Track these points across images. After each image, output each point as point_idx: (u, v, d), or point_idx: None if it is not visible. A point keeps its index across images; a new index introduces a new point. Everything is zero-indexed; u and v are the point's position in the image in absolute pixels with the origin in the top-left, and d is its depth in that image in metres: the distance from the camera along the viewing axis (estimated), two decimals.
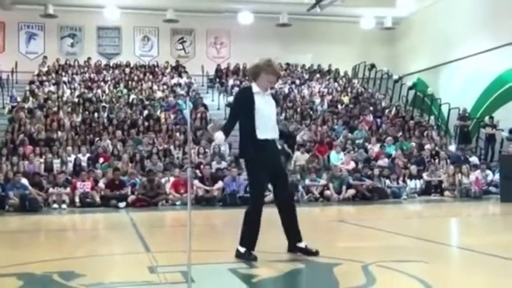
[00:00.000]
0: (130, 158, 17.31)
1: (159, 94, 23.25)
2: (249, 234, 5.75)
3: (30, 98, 21.83)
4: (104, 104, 21.62)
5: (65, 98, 22.00)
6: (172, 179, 15.71)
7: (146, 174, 15.66)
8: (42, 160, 16.97)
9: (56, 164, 16.92)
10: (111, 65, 26.32)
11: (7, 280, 4.90)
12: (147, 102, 22.17)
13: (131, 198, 14.84)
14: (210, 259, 5.92)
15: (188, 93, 23.07)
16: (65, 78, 23.96)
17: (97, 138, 18.66)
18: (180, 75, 25.61)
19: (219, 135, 5.66)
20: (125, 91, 23.19)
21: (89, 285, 4.74)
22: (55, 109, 20.77)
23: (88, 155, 17.45)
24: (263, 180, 5.91)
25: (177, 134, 19.50)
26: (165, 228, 11.22)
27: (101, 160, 17.28)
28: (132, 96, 22.62)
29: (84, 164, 16.94)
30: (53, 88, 22.91)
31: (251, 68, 6.03)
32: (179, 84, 24.50)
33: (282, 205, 5.96)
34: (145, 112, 21.22)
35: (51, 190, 14.90)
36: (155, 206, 14.72)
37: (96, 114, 20.64)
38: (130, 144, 18.31)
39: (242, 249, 5.73)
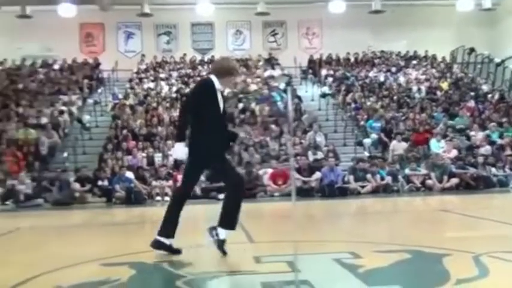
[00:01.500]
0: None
1: (253, 87, 23.42)
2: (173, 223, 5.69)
3: (131, 95, 22.67)
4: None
5: (163, 94, 22.66)
6: (269, 170, 15.81)
7: (244, 166, 15.84)
8: (144, 154, 17.59)
9: (158, 157, 17.48)
10: (205, 60, 26.84)
11: (120, 269, 5.09)
12: (241, 96, 22.39)
13: None
14: (314, 249, 5.89)
15: (289, 83, 23.13)
16: (162, 75, 24.71)
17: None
18: (273, 68, 25.67)
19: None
20: None
21: (197, 273, 4.85)
22: (154, 105, 21.44)
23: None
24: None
25: (273, 125, 19.56)
26: (265, 219, 11.32)
27: None
28: (227, 90, 22.89)
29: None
30: (151, 85, 23.67)
31: (224, 65, 5.77)
32: (272, 77, 24.57)
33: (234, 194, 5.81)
34: (240, 105, 21.46)
35: (154, 183, 15.42)
36: (253, 197, 14.87)
37: None
38: None
39: None
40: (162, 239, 5.67)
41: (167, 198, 15.01)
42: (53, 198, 14.88)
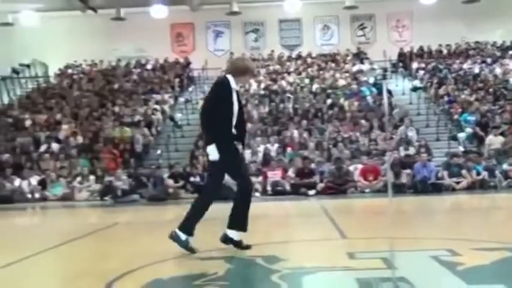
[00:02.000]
0: (316, 146, 17.52)
1: (341, 82, 23.20)
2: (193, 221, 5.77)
3: None
4: (288, 94, 22.10)
5: (251, 91, 22.86)
6: (360, 166, 15.61)
7: (334, 162, 15.72)
8: None
9: (247, 154, 17.64)
10: (293, 56, 26.85)
11: (216, 263, 5.18)
12: (330, 91, 22.25)
13: (320, 186, 15.00)
14: (410, 246, 5.75)
15: (385, 77, 22.79)
16: None
17: (284, 128, 19.12)
18: (361, 62, 25.32)
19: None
20: (308, 81, 23.48)
21: (292, 268, 4.84)
22: (243, 102, 21.59)
23: (276, 144, 17.99)
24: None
25: (362, 121, 19.31)
26: (357, 215, 11.18)
27: (289, 149, 17.72)
28: (315, 86, 22.84)
29: (273, 153, 17.49)
30: None
31: (240, 65, 5.90)
32: (361, 71, 24.24)
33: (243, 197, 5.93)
34: (329, 101, 21.31)
35: None
36: (344, 193, 14.74)
37: (281, 105, 21.18)
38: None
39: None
40: (180, 234, 5.75)
41: (257, 194, 15.18)
42: (148, 194, 15.39)
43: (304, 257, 5.68)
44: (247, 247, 5.78)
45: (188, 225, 5.77)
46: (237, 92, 5.79)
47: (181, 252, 5.83)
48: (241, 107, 5.83)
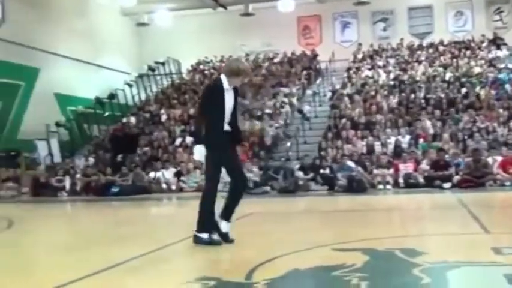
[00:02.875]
0: (451, 137, 16.83)
1: (476, 70, 22.07)
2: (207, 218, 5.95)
3: (348, 84, 22.79)
4: (419, 84, 21.39)
5: (380, 82, 22.40)
6: (499, 158, 14.77)
7: (471, 154, 15.00)
8: (363, 143, 17.58)
9: (377, 145, 17.35)
10: (423, 44, 25.94)
11: (353, 254, 5.12)
12: (464, 79, 21.25)
13: (456, 178, 14.38)
14: None
15: None
16: (379, 62, 24.43)
17: (415, 119, 18.54)
18: (498, 48, 23.92)
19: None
20: (441, 70, 22.58)
21: (434, 262, 4.67)
22: (372, 93, 21.29)
23: (408, 136, 17.49)
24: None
25: (500, 110, 18.26)
26: (499, 209, 10.60)
27: (421, 141, 17.17)
28: (449, 74, 21.92)
29: (404, 145, 17.03)
30: (369, 73, 23.54)
31: (233, 67, 6.11)
32: (498, 58, 22.92)
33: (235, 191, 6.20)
34: (463, 89, 20.36)
35: (375, 171, 15.34)
36: (482, 186, 14.03)
37: (412, 95, 20.55)
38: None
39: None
40: (201, 235, 5.95)
41: (389, 187, 14.89)
42: (278, 186, 15.58)
43: (446, 250, 5.47)
44: (231, 241, 6.04)
45: (204, 224, 5.99)
46: (235, 90, 6.11)
47: (316, 243, 5.85)
48: (235, 106, 6.11)
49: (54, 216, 12.45)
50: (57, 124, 22.23)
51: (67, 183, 17.51)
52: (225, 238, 6.03)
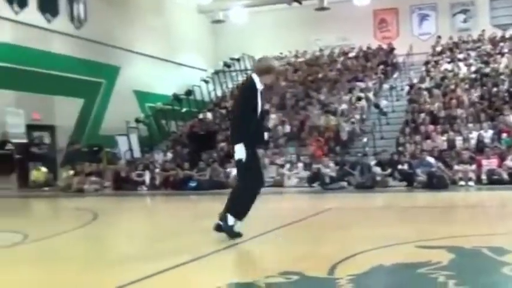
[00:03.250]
0: None
1: None
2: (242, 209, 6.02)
3: (427, 78, 22.22)
4: (502, 77, 20.58)
5: (461, 75, 21.70)
6: None
7: None
8: (444, 138, 17.09)
9: (458, 141, 16.83)
10: (506, 36, 24.91)
11: (438, 252, 5.00)
12: None
13: None
14: None
15: None
16: (460, 55, 23.67)
17: (498, 113, 17.86)
18: None
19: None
20: None
21: None
22: (452, 87, 20.66)
23: (490, 131, 16.87)
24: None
25: None
26: None
27: (504, 135, 16.53)
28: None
29: (487, 140, 16.45)
30: (448, 66, 22.86)
31: (263, 65, 6.20)
32: None
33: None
34: None
35: (456, 167, 14.89)
36: None
37: (495, 89, 19.80)
38: None
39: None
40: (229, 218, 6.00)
41: (471, 183, 14.43)
42: (355, 181, 15.40)
43: None
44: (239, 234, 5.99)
45: (236, 210, 6.01)
46: (261, 93, 6.08)
47: (398, 240, 5.75)
48: (263, 107, 6.18)
49: (137, 208, 12.81)
50: (137, 120, 22.87)
51: (147, 177, 17.96)
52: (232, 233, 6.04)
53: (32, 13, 19.92)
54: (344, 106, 20.70)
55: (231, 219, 5.95)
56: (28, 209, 13.09)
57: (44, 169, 18.92)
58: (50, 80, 20.13)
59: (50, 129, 20.48)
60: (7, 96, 18.68)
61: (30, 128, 19.49)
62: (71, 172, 18.37)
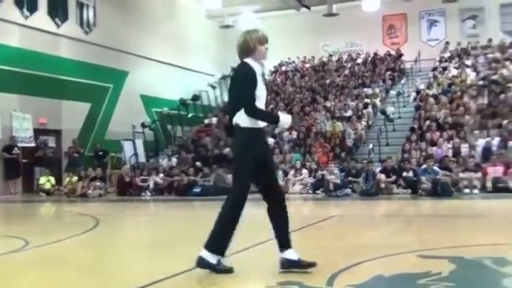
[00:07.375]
0: None
1: None
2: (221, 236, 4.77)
3: (434, 85, 22.14)
4: (510, 84, 20.44)
5: (468, 82, 21.59)
6: None
7: None
8: (449, 145, 17.00)
9: (464, 148, 16.74)
10: None
11: (439, 262, 4.94)
12: None
13: None
14: None
15: None
16: (468, 62, 23.56)
17: (505, 121, 17.74)
18: None
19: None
20: None
21: None
22: (459, 93, 20.57)
23: (497, 138, 16.76)
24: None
25: None
26: None
27: (510, 143, 16.42)
28: None
29: (493, 148, 16.34)
30: (456, 72, 22.76)
31: (242, 44, 4.82)
32: None
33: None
34: None
35: (461, 175, 14.80)
36: None
37: (502, 96, 19.67)
38: None
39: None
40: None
41: (476, 191, 14.32)
42: (359, 188, 15.32)
43: None
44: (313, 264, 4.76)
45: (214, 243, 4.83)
46: (262, 75, 5.00)
47: (400, 249, 5.70)
48: (267, 97, 5.06)
49: (142, 215, 12.72)
50: (143, 125, 22.86)
51: (151, 182, 17.94)
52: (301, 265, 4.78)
53: (41, 18, 19.98)
54: (350, 112, 20.64)
55: (210, 257, 4.72)
56: (31, 214, 13.07)
57: (52, 179, 18.79)
58: (57, 84, 20.17)
59: (56, 133, 20.51)
60: (15, 100, 18.74)
61: (37, 132, 19.51)
62: (75, 178, 18.38)
